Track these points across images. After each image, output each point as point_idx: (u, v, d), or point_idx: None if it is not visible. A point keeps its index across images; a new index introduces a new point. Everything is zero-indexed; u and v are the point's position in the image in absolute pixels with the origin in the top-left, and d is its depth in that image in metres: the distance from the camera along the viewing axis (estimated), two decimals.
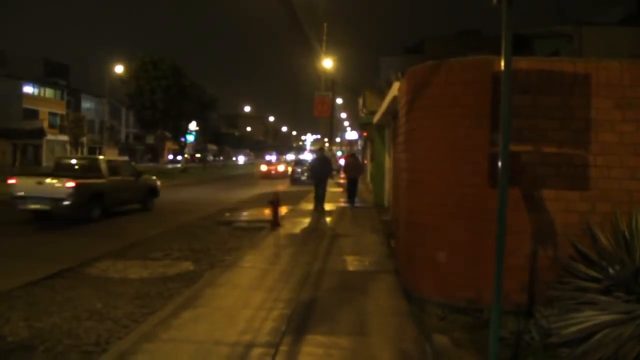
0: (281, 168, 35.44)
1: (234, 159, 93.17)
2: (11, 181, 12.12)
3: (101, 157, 15.55)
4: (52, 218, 12.07)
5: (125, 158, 31.46)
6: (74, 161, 14.49)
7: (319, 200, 14.32)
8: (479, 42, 17.21)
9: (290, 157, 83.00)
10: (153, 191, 15.54)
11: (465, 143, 5.13)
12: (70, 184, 11.62)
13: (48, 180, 11.87)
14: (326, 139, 29.45)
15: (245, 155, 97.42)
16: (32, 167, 40.81)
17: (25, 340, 4.47)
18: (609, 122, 4.88)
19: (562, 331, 3.74)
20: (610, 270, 3.94)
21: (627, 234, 4.20)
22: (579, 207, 4.90)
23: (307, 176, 24.63)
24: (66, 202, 11.52)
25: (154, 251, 8.55)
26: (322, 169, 14.72)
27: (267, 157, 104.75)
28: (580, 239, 4.68)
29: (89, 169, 13.27)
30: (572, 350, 3.58)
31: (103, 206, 12.75)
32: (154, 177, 16.24)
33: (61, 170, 13.26)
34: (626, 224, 4.27)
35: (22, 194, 11.80)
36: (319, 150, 17.13)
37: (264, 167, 36.23)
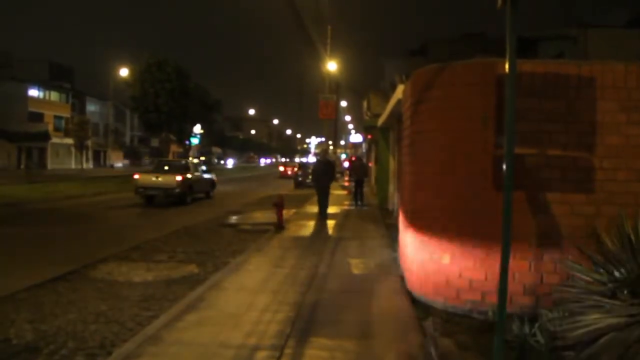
0: (296, 169, 39.21)
1: (222, 162, 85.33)
2: (136, 176, 17.33)
3: (189, 159, 23.73)
4: (155, 202, 17.23)
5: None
6: (170, 163, 20.20)
7: (323, 206, 13.26)
8: (483, 44, 17.16)
9: (299, 160, 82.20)
10: (213, 184, 21.10)
11: (469, 146, 5.11)
12: (179, 177, 16.82)
13: (163, 175, 17.06)
14: (330, 142, 29.47)
15: (235, 158, 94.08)
16: (38, 170, 41.02)
17: (30, 342, 4.49)
18: (615, 124, 4.86)
19: (567, 334, 3.72)
20: (616, 273, 3.92)
21: (632, 236, 4.18)
22: (585, 210, 4.88)
23: (311, 179, 24.71)
24: (176, 190, 16.69)
25: (159, 253, 8.58)
26: (325, 173, 13.49)
27: (261, 161, 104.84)
28: (585, 242, 4.66)
29: (182, 167, 18.38)
30: (578, 353, 3.56)
31: (191, 194, 17.87)
32: (214, 174, 22.03)
33: (161, 169, 18.19)
34: (632, 226, 4.25)
35: (144, 185, 16.86)
36: (322, 153, 16.70)
37: (281, 168, 45.10)
